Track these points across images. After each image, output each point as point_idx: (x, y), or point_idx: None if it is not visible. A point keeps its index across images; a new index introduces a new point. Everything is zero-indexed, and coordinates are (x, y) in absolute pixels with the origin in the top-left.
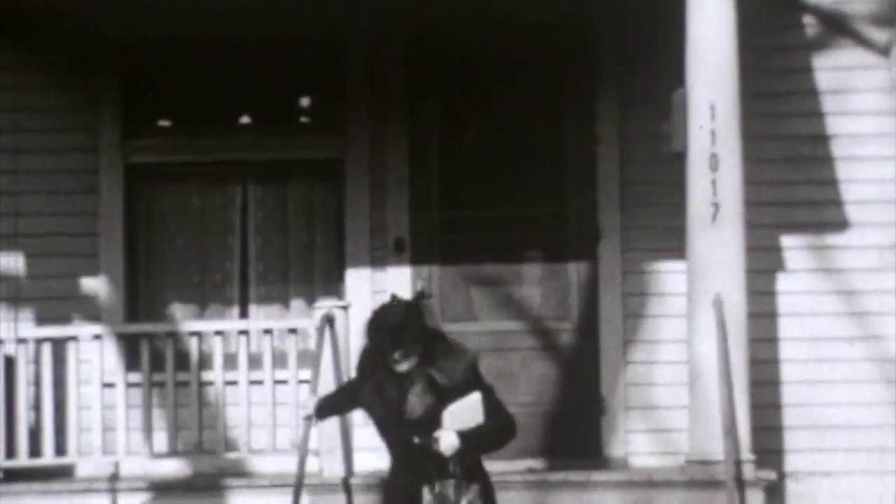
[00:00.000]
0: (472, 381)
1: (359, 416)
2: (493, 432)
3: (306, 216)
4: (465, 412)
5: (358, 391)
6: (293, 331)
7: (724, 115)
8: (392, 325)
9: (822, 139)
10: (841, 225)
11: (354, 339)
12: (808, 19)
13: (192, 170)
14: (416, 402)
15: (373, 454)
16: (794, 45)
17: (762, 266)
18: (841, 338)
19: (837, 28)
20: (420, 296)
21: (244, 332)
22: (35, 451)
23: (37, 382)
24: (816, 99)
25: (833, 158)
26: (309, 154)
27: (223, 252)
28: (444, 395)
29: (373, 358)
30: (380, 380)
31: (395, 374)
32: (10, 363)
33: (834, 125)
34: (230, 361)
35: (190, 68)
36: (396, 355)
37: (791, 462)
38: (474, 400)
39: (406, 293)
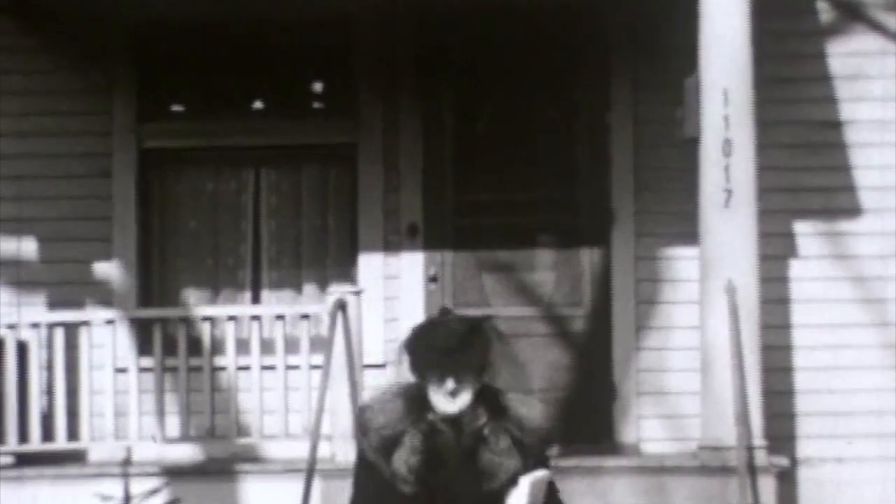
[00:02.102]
0: (546, 445)
1: None
2: None
3: (319, 201)
4: (529, 492)
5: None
6: (306, 316)
7: (737, 100)
8: (450, 342)
9: (836, 125)
10: (854, 211)
11: (367, 324)
12: (821, 4)
13: (206, 154)
14: (497, 464)
15: None
16: (808, 31)
17: (775, 252)
18: (854, 324)
19: (851, 14)
20: (486, 317)
21: (257, 318)
22: (48, 435)
23: (49, 367)
24: (830, 85)
25: (846, 144)
26: (322, 139)
27: (236, 237)
28: (523, 463)
29: (405, 405)
30: (425, 435)
31: (443, 426)
32: (22, 348)
33: (847, 111)
34: (243, 346)
35: (203, 53)
36: (450, 384)
37: (803, 448)
38: (540, 478)
39: (419, 278)
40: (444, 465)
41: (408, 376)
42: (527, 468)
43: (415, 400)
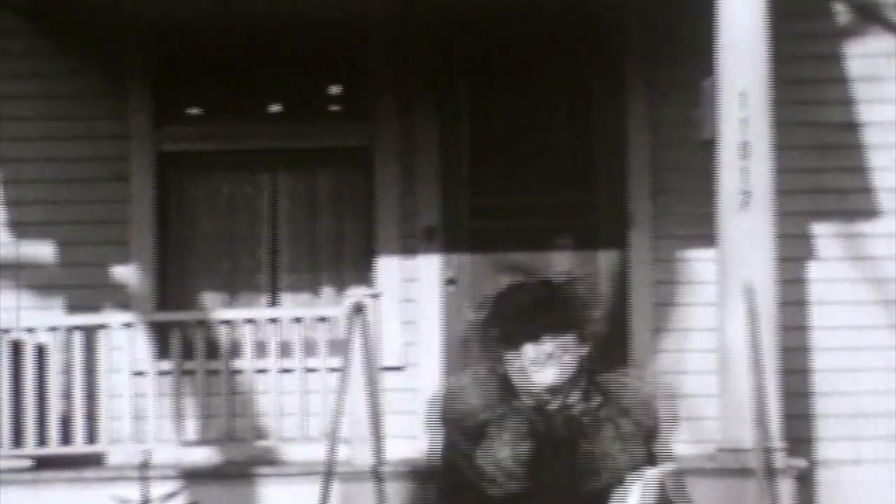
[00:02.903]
0: (654, 437)
1: (389, 404)
2: None
3: (336, 204)
4: (640, 493)
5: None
6: (323, 319)
7: (754, 102)
8: (543, 294)
9: (853, 127)
10: (872, 213)
11: (385, 326)
12: (838, 6)
13: (222, 158)
14: (600, 459)
15: (403, 442)
16: (825, 33)
17: (792, 254)
18: (871, 326)
19: (868, 15)
20: (582, 276)
21: (274, 321)
22: (66, 438)
23: (67, 370)
24: (847, 86)
25: (863, 146)
26: (338, 142)
27: (253, 240)
28: (634, 457)
29: (488, 391)
30: (514, 425)
31: (534, 412)
32: (41, 351)
33: (864, 113)
34: (260, 349)
35: (220, 57)
36: (546, 346)
37: (822, 450)
38: (655, 477)
39: (436, 281)
40: (537, 461)
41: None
42: (638, 464)
43: (499, 384)
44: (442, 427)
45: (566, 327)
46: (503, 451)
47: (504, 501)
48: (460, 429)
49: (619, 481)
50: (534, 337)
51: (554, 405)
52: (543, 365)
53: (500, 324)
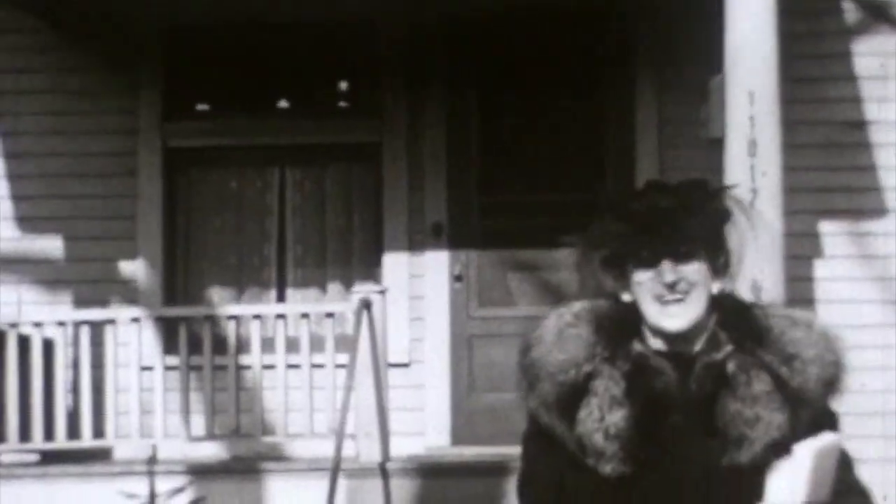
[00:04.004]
0: (830, 396)
1: (395, 400)
2: None
3: (344, 200)
4: (810, 472)
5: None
6: (330, 315)
7: (763, 100)
8: (665, 201)
9: (861, 125)
10: (879, 211)
11: (392, 322)
12: (847, 4)
13: (231, 153)
14: (750, 421)
15: (409, 438)
16: (833, 31)
17: (800, 252)
18: (879, 324)
19: (876, 14)
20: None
21: (281, 316)
22: (73, 433)
23: (75, 365)
24: (855, 84)
25: (872, 145)
26: (347, 137)
27: (261, 236)
28: (796, 421)
29: (594, 331)
30: (629, 376)
31: (659, 359)
32: (48, 346)
33: (873, 111)
34: (267, 345)
35: (229, 52)
36: (667, 273)
37: None
38: (829, 447)
39: (444, 277)
40: (662, 426)
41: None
42: (802, 430)
43: (610, 323)
44: (531, 384)
45: (696, 250)
46: (615, 414)
47: (618, 482)
48: (558, 384)
49: (778, 452)
50: (650, 264)
51: (684, 351)
52: (666, 301)
53: (607, 243)
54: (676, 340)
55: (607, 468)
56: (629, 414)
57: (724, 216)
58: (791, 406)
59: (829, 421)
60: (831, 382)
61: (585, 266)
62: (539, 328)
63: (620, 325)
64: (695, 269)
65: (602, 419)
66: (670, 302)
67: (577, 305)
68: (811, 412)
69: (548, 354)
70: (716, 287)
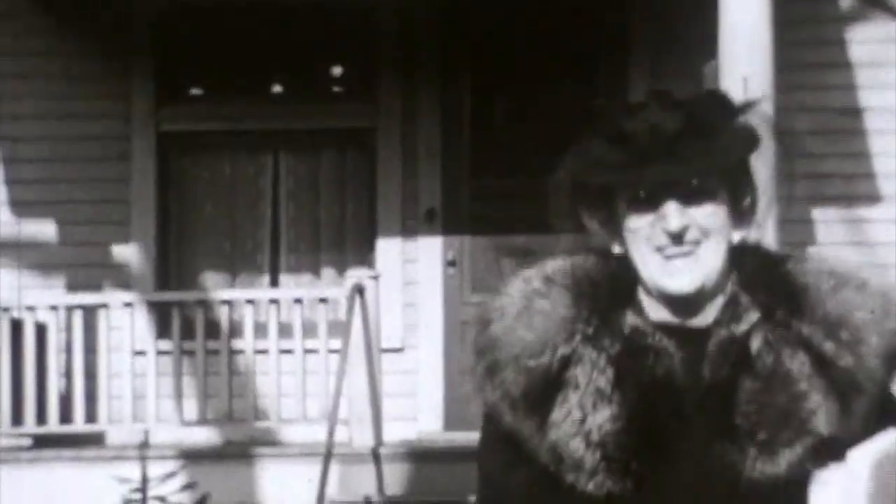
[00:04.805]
0: (893, 377)
1: (388, 385)
2: None
3: (337, 185)
4: (870, 485)
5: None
6: (324, 300)
7: (757, 87)
8: (669, 122)
9: (855, 112)
10: (873, 198)
11: (385, 308)
12: None
13: (224, 138)
14: (785, 415)
15: (402, 424)
16: (828, 18)
17: (794, 239)
18: None
19: (871, 1)
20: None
21: (275, 301)
22: (66, 418)
23: (68, 349)
24: (850, 71)
25: (866, 131)
26: (341, 123)
27: (254, 220)
28: (849, 411)
29: (573, 299)
30: (620, 361)
31: (660, 336)
32: (41, 330)
33: (867, 98)
34: (260, 330)
35: (223, 36)
36: (672, 219)
37: None
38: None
39: (437, 262)
40: (667, 426)
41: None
42: (856, 427)
43: (594, 287)
44: (489, 372)
45: (711, 186)
46: (600, 413)
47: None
48: (525, 373)
49: (822, 460)
50: (652, 201)
51: (694, 324)
52: (669, 255)
53: (591, 175)
54: (683, 308)
55: (591, 485)
56: (619, 412)
57: (749, 141)
58: (840, 394)
59: (893, 413)
60: (895, 359)
61: (562, 208)
62: (500, 296)
63: (609, 289)
64: (709, 213)
65: (583, 420)
66: (675, 256)
67: (551, 265)
68: (867, 401)
69: (511, 332)
70: (737, 236)
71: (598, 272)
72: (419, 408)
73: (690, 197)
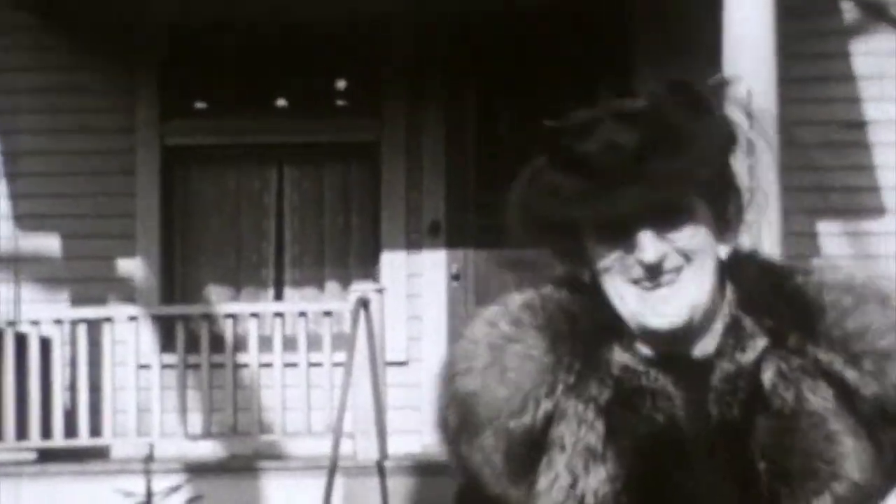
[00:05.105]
0: None
1: (393, 399)
2: None
3: (342, 199)
4: None
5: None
6: (328, 313)
7: (760, 99)
8: (625, 138)
9: (860, 125)
10: (878, 211)
11: (389, 321)
12: (845, 4)
13: (229, 152)
14: (810, 457)
15: (407, 437)
16: (832, 31)
17: (798, 252)
18: None
19: (875, 14)
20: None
21: (279, 315)
22: (70, 431)
23: (72, 363)
24: (854, 84)
25: (870, 144)
26: (345, 136)
27: (258, 234)
28: (881, 449)
29: (552, 340)
30: (612, 412)
31: (656, 374)
32: (45, 344)
33: (871, 111)
34: (265, 344)
35: (227, 50)
36: (647, 250)
37: None
38: None
39: (441, 276)
40: (673, 483)
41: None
42: (889, 466)
43: (570, 323)
44: (469, 432)
45: (688, 203)
46: (593, 476)
47: None
48: (502, 437)
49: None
50: (620, 235)
51: (692, 356)
52: (648, 287)
53: (544, 210)
54: (673, 345)
55: None
56: (616, 471)
57: (725, 141)
58: (868, 429)
59: None
60: None
61: (520, 239)
62: (464, 343)
63: (589, 323)
64: (689, 235)
65: (573, 485)
66: (655, 288)
67: (517, 300)
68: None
69: (483, 390)
70: (724, 250)
71: (573, 304)
72: (424, 421)
73: (665, 220)
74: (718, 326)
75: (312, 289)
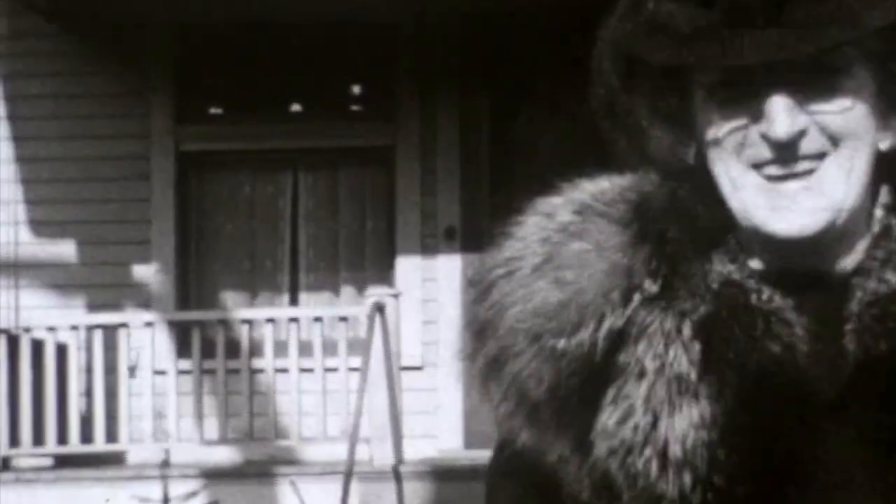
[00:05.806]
0: None
1: (408, 404)
2: None
3: (357, 203)
4: None
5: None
6: (344, 319)
7: None
8: None
9: None
10: None
11: (405, 326)
12: None
13: (244, 157)
14: None
15: (422, 442)
16: None
17: None
18: None
19: None
20: None
21: (294, 320)
22: (86, 437)
23: (88, 369)
24: None
25: None
26: (360, 141)
27: (274, 239)
28: None
29: (627, 247)
30: (704, 339)
31: (766, 295)
32: (61, 350)
33: None
34: (280, 349)
35: (242, 55)
36: (778, 112)
37: None
38: None
39: (457, 280)
40: (790, 436)
41: None
42: None
43: (660, 220)
44: (495, 362)
45: (844, 68)
46: (683, 415)
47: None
48: (547, 361)
49: None
50: (748, 93)
51: (822, 273)
52: (775, 175)
53: (652, 48)
54: (800, 257)
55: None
56: (714, 413)
57: None
58: None
59: None
60: None
61: (602, 101)
62: (509, 243)
63: (684, 222)
64: (841, 108)
65: (654, 426)
66: (785, 177)
67: (590, 188)
68: None
69: (527, 298)
70: (886, 141)
71: (665, 196)
72: (440, 426)
73: (810, 84)
74: (865, 240)
75: (328, 294)
